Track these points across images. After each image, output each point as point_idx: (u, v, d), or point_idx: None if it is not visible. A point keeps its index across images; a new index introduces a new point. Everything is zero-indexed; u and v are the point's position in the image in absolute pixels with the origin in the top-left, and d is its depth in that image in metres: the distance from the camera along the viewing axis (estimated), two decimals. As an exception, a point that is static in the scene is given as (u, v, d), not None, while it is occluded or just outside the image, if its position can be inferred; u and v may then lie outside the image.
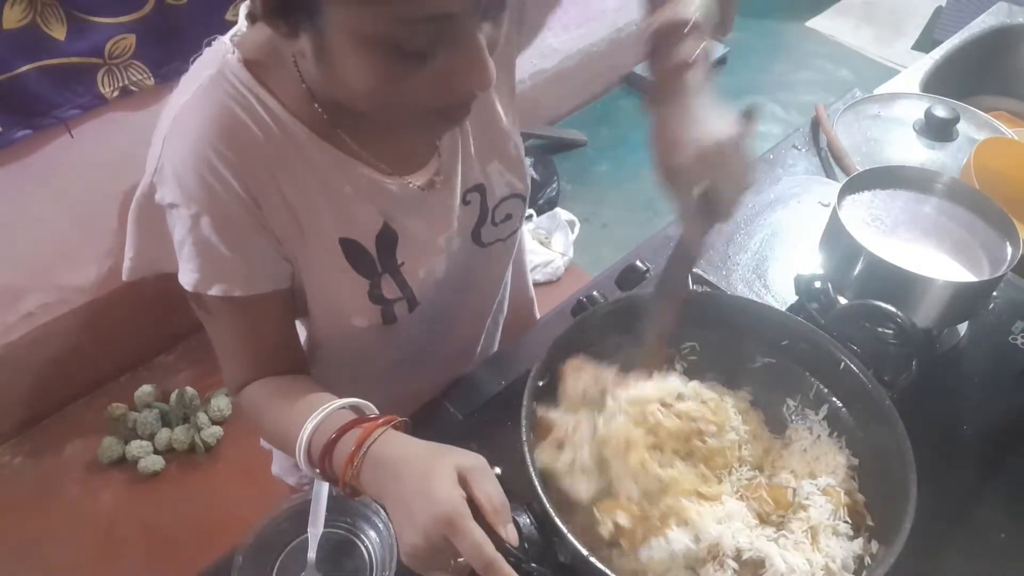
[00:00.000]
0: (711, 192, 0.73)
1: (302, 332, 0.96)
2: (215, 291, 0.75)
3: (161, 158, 0.72)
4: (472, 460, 0.66)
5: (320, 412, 0.73)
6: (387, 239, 0.82)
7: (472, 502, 0.63)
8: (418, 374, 1.02)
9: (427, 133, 0.77)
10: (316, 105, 0.74)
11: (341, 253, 0.80)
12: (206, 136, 0.70)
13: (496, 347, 1.18)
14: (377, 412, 0.76)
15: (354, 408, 0.76)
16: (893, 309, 0.86)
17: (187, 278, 0.75)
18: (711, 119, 0.74)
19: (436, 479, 0.63)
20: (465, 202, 0.88)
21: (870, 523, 0.78)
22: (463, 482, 0.64)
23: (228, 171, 0.71)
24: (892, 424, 0.78)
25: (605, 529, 0.72)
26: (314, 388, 0.81)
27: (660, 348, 0.83)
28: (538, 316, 1.29)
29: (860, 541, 0.76)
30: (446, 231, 0.87)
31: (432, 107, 0.66)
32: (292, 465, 1.17)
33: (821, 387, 0.88)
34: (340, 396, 0.77)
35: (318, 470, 0.72)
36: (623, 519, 0.72)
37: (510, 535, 0.63)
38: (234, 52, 0.72)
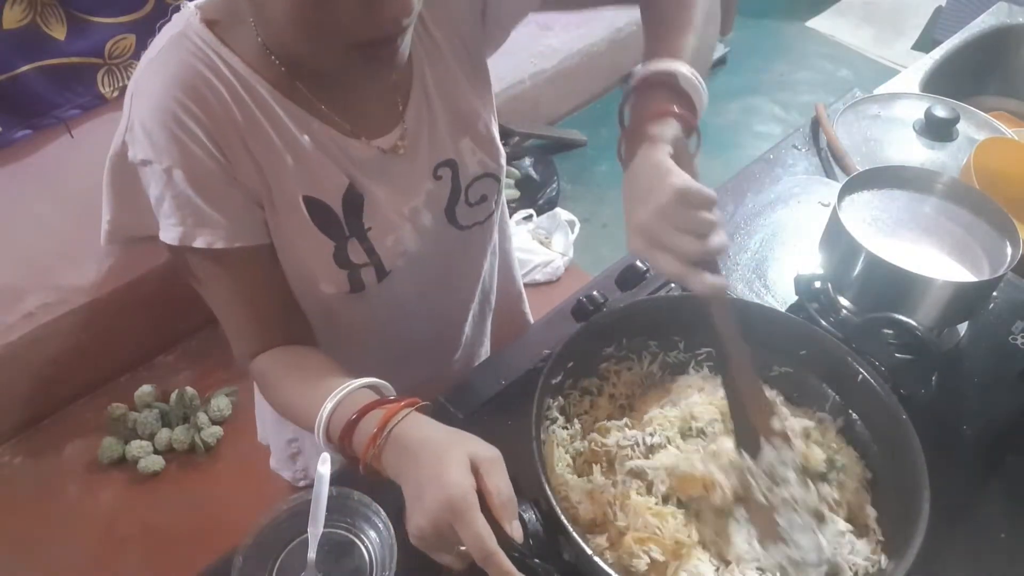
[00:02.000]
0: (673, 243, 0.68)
1: None
2: (199, 243, 0.75)
3: (130, 117, 0.73)
4: (488, 451, 0.66)
5: (341, 390, 0.73)
6: (353, 201, 0.81)
7: (481, 493, 0.63)
8: (401, 363, 1.01)
9: (365, 73, 0.75)
10: (273, 57, 0.75)
11: (305, 212, 0.79)
12: (170, 91, 0.71)
13: (487, 345, 1.17)
14: (395, 393, 0.76)
15: (374, 388, 0.76)
16: (913, 322, 0.85)
17: (170, 233, 0.75)
18: (670, 178, 0.68)
19: (449, 464, 0.63)
20: (436, 176, 0.88)
21: (880, 538, 0.78)
22: (475, 471, 0.64)
23: (194, 124, 0.72)
24: (908, 439, 0.77)
25: (641, 563, 0.72)
26: (329, 363, 0.81)
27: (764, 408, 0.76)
28: (528, 313, 1.29)
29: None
30: (412, 200, 0.86)
31: (358, 40, 0.67)
32: (288, 457, 1.17)
33: (837, 398, 0.88)
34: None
35: (335, 447, 0.73)
36: (657, 554, 0.73)
37: (515, 531, 0.63)
38: (196, 13, 0.74)
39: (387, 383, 0.77)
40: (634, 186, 0.71)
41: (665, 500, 0.77)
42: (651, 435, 0.81)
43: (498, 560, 0.60)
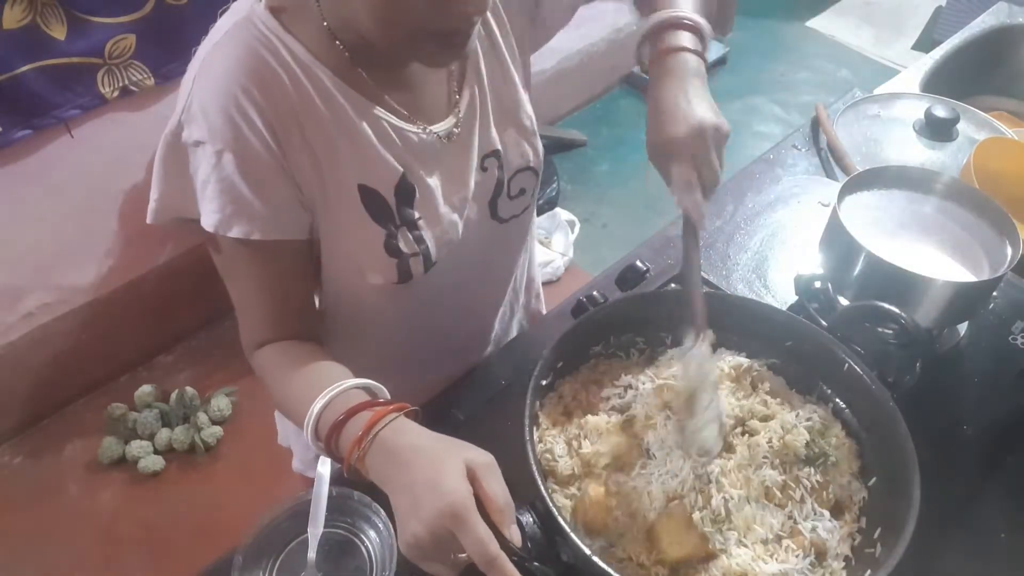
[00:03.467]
0: (699, 164, 0.78)
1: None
2: (235, 232, 0.75)
3: (190, 97, 0.74)
4: (482, 457, 0.66)
5: (332, 389, 0.73)
6: (405, 190, 0.82)
7: (478, 499, 0.63)
8: (433, 359, 1.03)
9: (433, 60, 0.76)
10: (337, 42, 0.76)
11: (359, 200, 0.80)
12: (234, 76, 0.72)
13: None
14: (389, 396, 0.76)
15: (367, 389, 0.76)
16: (897, 310, 0.86)
17: (209, 219, 0.76)
18: (702, 101, 0.79)
19: (445, 472, 0.63)
20: (483, 168, 0.89)
21: (862, 525, 0.79)
22: (471, 478, 0.64)
23: (254, 110, 0.73)
24: (895, 426, 0.78)
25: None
26: (329, 362, 0.81)
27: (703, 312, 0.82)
28: (544, 310, 1.30)
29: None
30: (461, 190, 0.88)
31: (432, 30, 0.68)
32: (313, 459, 1.17)
33: (825, 388, 0.88)
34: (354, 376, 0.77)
35: (323, 447, 0.73)
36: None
37: (514, 535, 0.63)
38: (260, 0, 0.75)
39: (381, 385, 0.77)
40: (667, 101, 0.79)
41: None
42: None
43: (501, 564, 0.60)
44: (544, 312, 1.29)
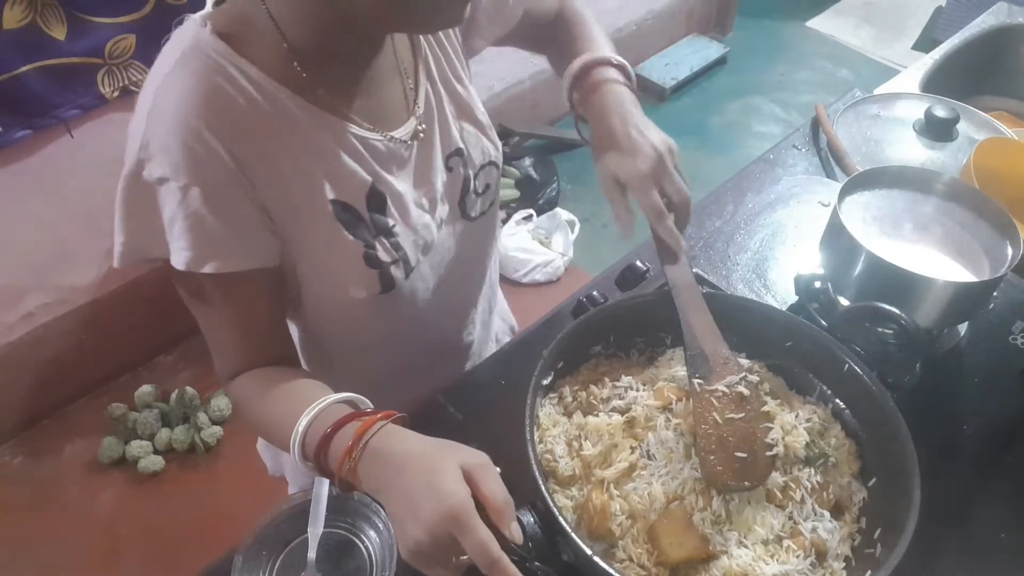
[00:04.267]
0: (667, 189, 0.84)
1: (294, 334, 0.95)
2: (208, 268, 0.73)
3: (146, 134, 0.71)
4: (477, 457, 0.66)
5: (316, 406, 0.72)
6: (377, 199, 0.82)
7: (477, 500, 0.63)
8: (423, 367, 1.02)
9: (433, 21, 0.73)
10: (295, 64, 0.75)
11: (333, 216, 0.79)
12: (190, 106, 0.70)
13: (492, 346, 1.18)
14: (372, 407, 0.76)
15: (350, 403, 0.75)
16: (897, 311, 0.86)
17: (179, 257, 0.73)
18: (648, 127, 0.85)
19: (442, 475, 0.62)
20: (448, 168, 0.89)
21: (862, 525, 0.79)
22: (468, 479, 0.63)
23: (215, 139, 0.70)
24: (896, 427, 0.78)
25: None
26: (308, 380, 0.80)
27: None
28: (509, 310, 1.30)
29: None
30: (430, 192, 0.88)
31: None
32: (310, 482, 1.17)
33: (825, 389, 0.88)
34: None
35: (312, 464, 0.72)
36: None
37: (514, 534, 0.63)
38: (206, 26, 0.72)
39: (364, 398, 0.76)
40: (618, 136, 0.84)
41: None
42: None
43: (504, 566, 0.60)
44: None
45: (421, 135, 0.85)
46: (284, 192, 0.76)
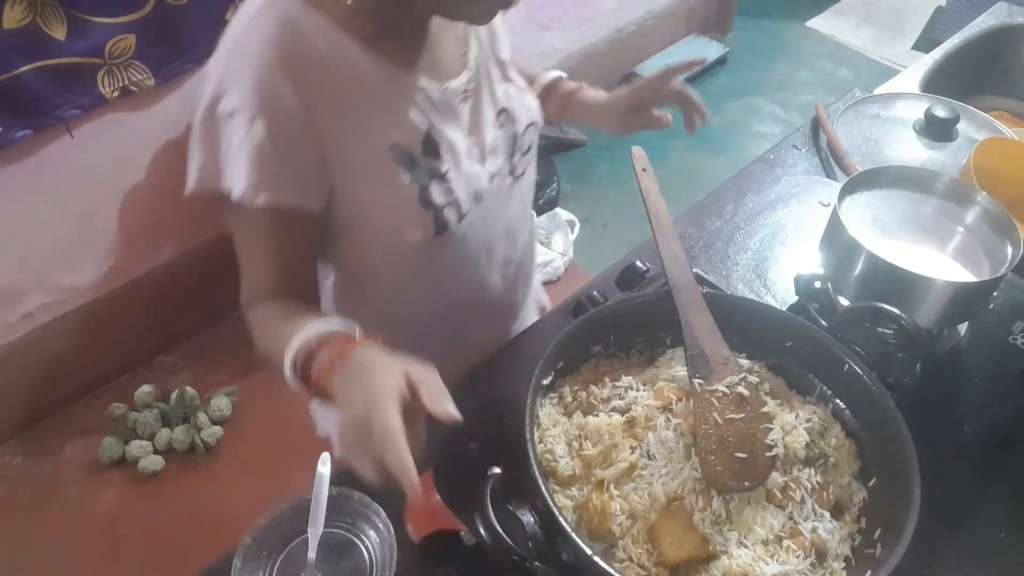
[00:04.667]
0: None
1: (329, 286, 1.02)
2: (261, 201, 0.79)
3: (223, 71, 0.78)
4: (421, 365, 0.70)
5: (311, 326, 0.77)
6: (431, 145, 0.87)
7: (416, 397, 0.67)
8: (469, 324, 1.06)
9: (485, 12, 0.81)
10: (362, 17, 0.80)
11: (391, 160, 0.84)
12: (266, 48, 0.76)
13: (536, 314, 1.24)
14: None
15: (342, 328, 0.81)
16: (897, 311, 0.86)
17: (237, 186, 0.79)
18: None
19: (381, 369, 0.68)
20: (499, 125, 0.95)
21: (862, 525, 0.79)
22: (408, 379, 0.67)
23: (285, 81, 0.76)
24: (895, 427, 0.78)
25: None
26: (318, 313, 0.86)
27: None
28: (544, 297, 1.33)
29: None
30: (480, 143, 0.93)
31: None
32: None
33: (825, 389, 0.88)
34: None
35: (299, 378, 0.77)
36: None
37: (450, 412, 0.66)
38: None
39: (355, 324, 0.80)
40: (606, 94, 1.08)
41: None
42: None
43: (399, 457, 0.61)
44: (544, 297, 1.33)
45: (471, 88, 0.91)
46: (345, 137, 0.82)
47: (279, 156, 0.78)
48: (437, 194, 0.87)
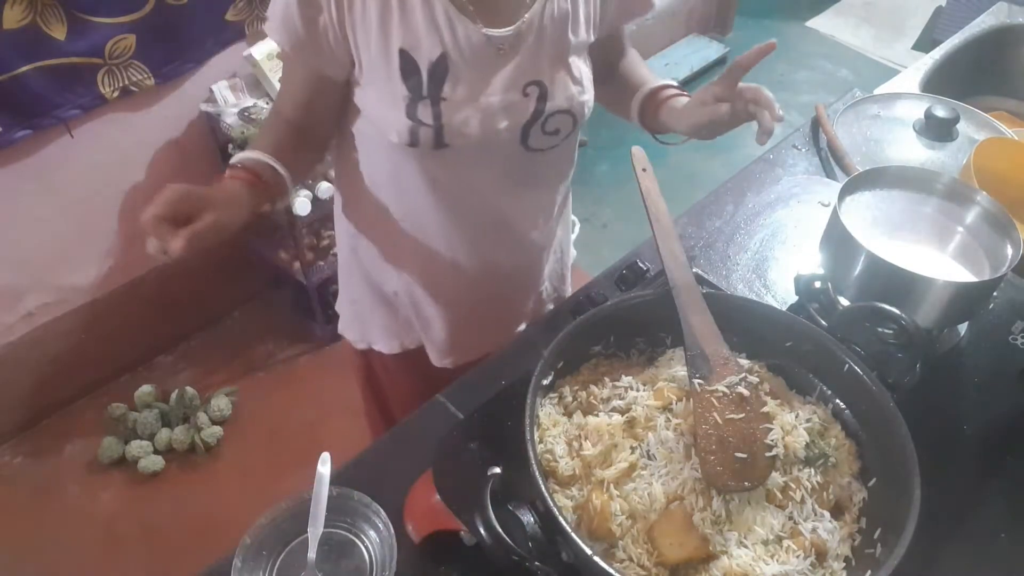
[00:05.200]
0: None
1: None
2: (287, 51, 0.93)
3: None
4: (218, 212, 0.89)
5: (246, 152, 0.95)
6: (439, 70, 0.91)
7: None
8: (479, 267, 1.11)
9: None
10: None
11: (398, 62, 0.90)
12: None
13: (568, 290, 1.29)
14: (285, 175, 0.97)
15: (272, 168, 0.96)
16: (897, 311, 0.86)
17: (274, 38, 0.95)
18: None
19: (203, 192, 0.87)
20: (524, 93, 0.95)
21: (862, 525, 0.79)
22: (197, 204, 0.87)
23: None
24: (895, 427, 0.78)
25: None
26: (281, 149, 0.98)
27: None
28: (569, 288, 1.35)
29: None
30: (491, 97, 0.94)
31: None
32: (352, 318, 1.28)
33: (824, 389, 0.88)
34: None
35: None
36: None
37: (179, 237, 0.86)
38: None
39: (284, 163, 0.96)
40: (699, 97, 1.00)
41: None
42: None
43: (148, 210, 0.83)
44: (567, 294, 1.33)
45: (502, 50, 0.92)
46: (367, 28, 0.89)
47: (303, 22, 0.89)
48: (422, 111, 0.91)
